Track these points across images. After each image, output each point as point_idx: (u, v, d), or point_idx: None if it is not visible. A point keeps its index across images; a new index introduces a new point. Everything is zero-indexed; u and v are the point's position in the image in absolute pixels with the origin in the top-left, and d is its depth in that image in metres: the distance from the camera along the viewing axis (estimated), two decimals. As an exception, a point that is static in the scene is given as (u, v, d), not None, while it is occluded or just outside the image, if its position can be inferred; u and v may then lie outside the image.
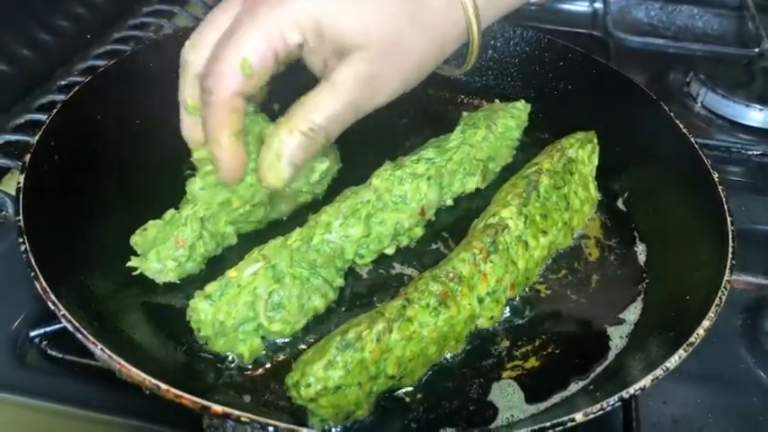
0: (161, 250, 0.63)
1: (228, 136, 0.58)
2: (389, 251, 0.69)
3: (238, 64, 0.54)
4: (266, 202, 0.68)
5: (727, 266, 0.59)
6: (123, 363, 0.47)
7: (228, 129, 0.58)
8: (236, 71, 0.55)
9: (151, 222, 0.64)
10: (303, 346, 0.60)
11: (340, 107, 0.57)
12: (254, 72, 0.55)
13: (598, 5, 1.30)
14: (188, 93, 0.61)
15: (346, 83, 0.56)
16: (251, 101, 0.60)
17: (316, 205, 0.71)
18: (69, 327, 0.49)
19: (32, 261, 0.53)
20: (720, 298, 0.56)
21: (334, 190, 0.73)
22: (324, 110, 0.57)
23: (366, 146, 0.76)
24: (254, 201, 0.66)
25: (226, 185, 0.63)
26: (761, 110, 1.00)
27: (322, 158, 0.72)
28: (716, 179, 0.68)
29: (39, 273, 0.52)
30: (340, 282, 0.65)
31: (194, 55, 0.59)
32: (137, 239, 0.64)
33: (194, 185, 0.64)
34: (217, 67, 0.55)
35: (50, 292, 0.51)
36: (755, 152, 0.94)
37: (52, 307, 0.50)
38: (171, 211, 0.65)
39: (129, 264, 0.63)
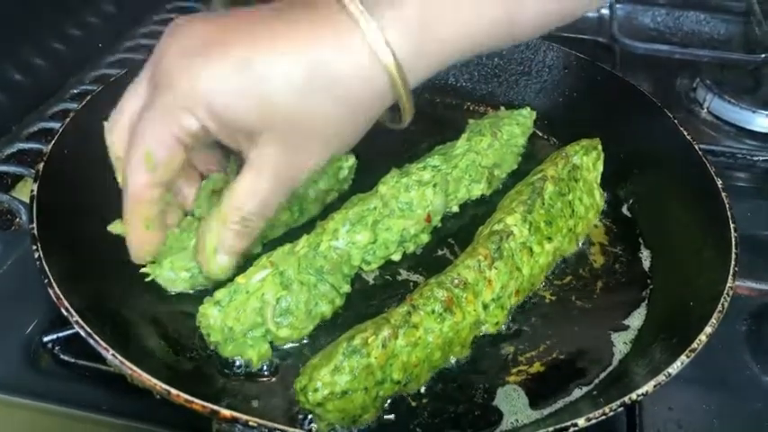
0: (175, 260, 0.63)
1: (140, 222, 0.59)
2: (396, 257, 0.70)
3: (142, 159, 0.54)
4: (289, 207, 0.70)
5: (730, 273, 0.59)
6: (135, 368, 0.48)
7: (140, 217, 0.58)
8: (140, 167, 0.54)
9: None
10: (310, 352, 0.61)
11: (266, 192, 0.55)
12: (159, 163, 0.54)
13: (604, 11, 1.30)
14: (116, 173, 0.61)
15: (266, 167, 0.54)
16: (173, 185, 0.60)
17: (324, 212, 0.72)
18: (82, 332, 0.50)
19: (46, 268, 0.54)
20: (723, 304, 0.57)
21: (341, 196, 0.74)
22: (252, 198, 0.55)
23: (373, 153, 0.77)
24: None
25: None
26: (767, 116, 1.00)
27: (348, 155, 0.75)
28: (720, 186, 0.68)
29: (52, 280, 0.53)
30: (347, 288, 0.66)
31: (111, 139, 0.59)
32: None
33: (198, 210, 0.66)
34: (127, 161, 0.55)
35: (63, 299, 0.52)
36: (762, 158, 0.94)
37: (65, 313, 0.52)
38: (188, 219, 0.66)
39: (143, 270, 0.64)
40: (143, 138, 0.53)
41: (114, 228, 0.62)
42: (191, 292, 0.65)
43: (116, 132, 0.58)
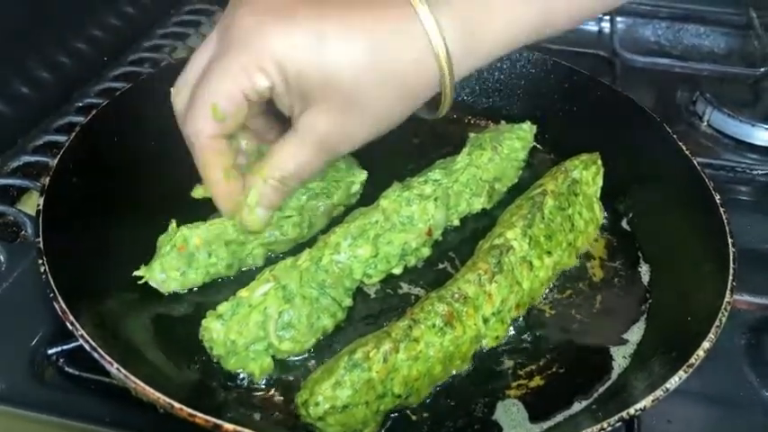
0: (164, 261, 0.65)
1: (218, 174, 0.61)
2: (397, 271, 0.71)
3: (209, 110, 0.56)
4: (300, 222, 0.71)
5: (728, 288, 0.60)
6: (139, 382, 0.49)
7: (216, 168, 0.60)
8: (207, 117, 0.56)
9: None
10: (312, 365, 0.62)
11: (306, 157, 0.59)
12: (226, 115, 0.56)
13: (605, 25, 1.31)
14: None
15: (311, 133, 0.57)
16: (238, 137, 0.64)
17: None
18: (87, 346, 0.51)
19: (52, 283, 0.55)
20: (720, 319, 0.57)
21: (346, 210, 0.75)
22: (292, 160, 0.59)
23: (374, 167, 0.78)
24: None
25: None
26: (767, 129, 1.00)
27: (360, 170, 0.77)
28: (718, 201, 0.69)
29: (57, 294, 0.54)
30: (348, 301, 0.66)
31: (179, 102, 0.61)
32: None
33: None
34: (192, 114, 0.57)
35: (69, 313, 0.53)
36: (761, 171, 0.95)
37: (70, 327, 0.52)
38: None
39: (136, 273, 0.65)
40: (211, 91, 0.56)
41: (196, 193, 0.67)
42: (183, 293, 0.67)
43: (184, 92, 0.60)
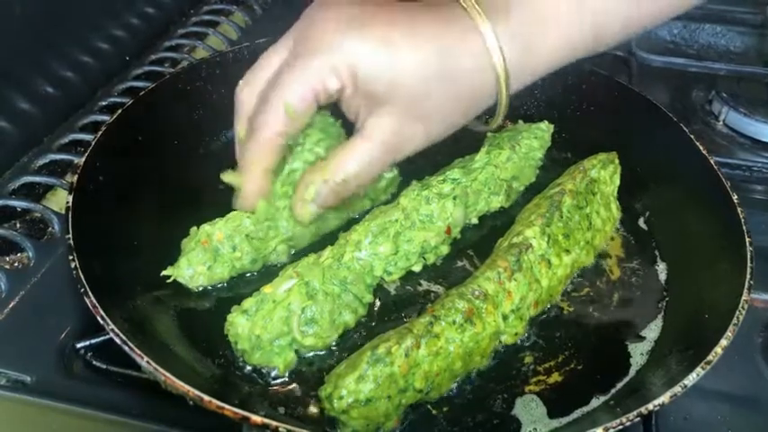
0: (191, 258, 0.67)
1: (261, 171, 0.64)
2: (417, 268, 0.71)
3: (283, 108, 0.59)
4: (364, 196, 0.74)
5: (746, 286, 0.60)
6: (168, 375, 0.50)
7: (263, 164, 0.63)
8: (280, 114, 0.59)
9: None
10: (334, 360, 0.63)
11: (369, 160, 0.61)
12: (297, 114, 0.59)
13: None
14: (239, 127, 0.66)
15: (376, 134, 0.60)
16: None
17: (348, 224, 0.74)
18: (117, 340, 0.52)
19: (82, 278, 0.56)
20: (738, 317, 0.57)
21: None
22: (355, 162, 0.61)
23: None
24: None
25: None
26: (782, 128, 1.01)
27: (391, 168, 0.76)
28: (735, 200, 0.69)
29: (88, 289, 0.55)
30: (369, 298, 0.67)
31: (246, 94, 0.64)
32: None
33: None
34: (264, 109, 0.60)
35: (99, 308, 0.54)
36: (775, 171, 0.95)
37: (101, 321, 0.53)
38: (193, 229, 0.69)
39: (164, 273, 0.67)
40: (285, 90, 0.59)
41: (227, 176, 0.67)
42: (210, 288, 0.68)
43: (252, 88, 0.63)
